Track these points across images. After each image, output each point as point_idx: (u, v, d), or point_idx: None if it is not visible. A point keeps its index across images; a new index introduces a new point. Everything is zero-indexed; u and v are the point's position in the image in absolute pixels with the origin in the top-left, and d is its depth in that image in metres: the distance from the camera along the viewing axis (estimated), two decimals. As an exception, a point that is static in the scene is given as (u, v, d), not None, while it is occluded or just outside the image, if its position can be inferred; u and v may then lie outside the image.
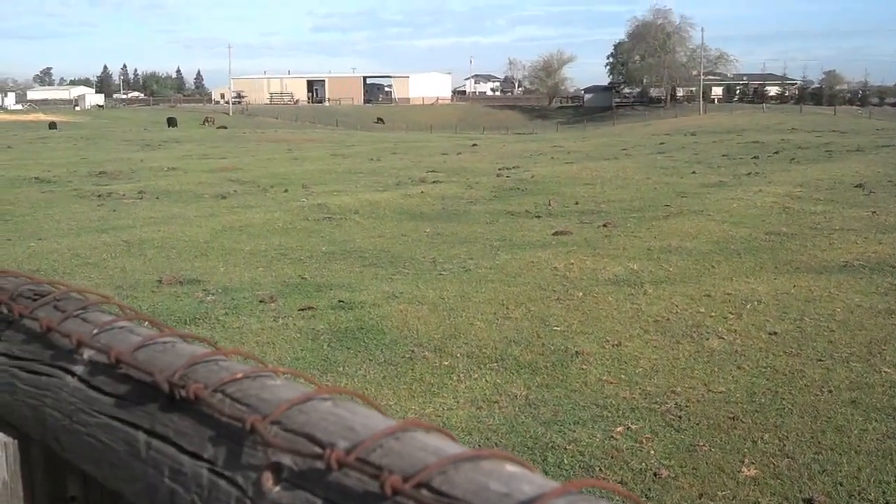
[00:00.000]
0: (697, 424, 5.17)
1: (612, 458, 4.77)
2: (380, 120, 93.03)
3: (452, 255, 10.37)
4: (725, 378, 5.92)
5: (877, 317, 7.31)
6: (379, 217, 13.78)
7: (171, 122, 69.45)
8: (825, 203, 14.07)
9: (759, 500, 4.27)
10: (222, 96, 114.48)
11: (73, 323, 0.88)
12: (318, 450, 0.62)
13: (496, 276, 8.98)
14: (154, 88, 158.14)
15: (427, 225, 12.94)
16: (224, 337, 6.84)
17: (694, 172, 20.17)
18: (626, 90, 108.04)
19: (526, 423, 5.25)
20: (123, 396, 0.78)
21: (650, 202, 14.89)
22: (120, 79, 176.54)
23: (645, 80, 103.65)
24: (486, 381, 5.97)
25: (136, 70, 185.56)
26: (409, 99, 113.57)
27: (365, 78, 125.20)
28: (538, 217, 13.56)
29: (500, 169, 22.43)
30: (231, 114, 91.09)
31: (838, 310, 7.53)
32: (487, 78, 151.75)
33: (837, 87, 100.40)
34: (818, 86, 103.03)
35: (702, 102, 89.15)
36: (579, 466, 4.64)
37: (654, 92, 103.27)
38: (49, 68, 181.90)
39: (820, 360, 6.23)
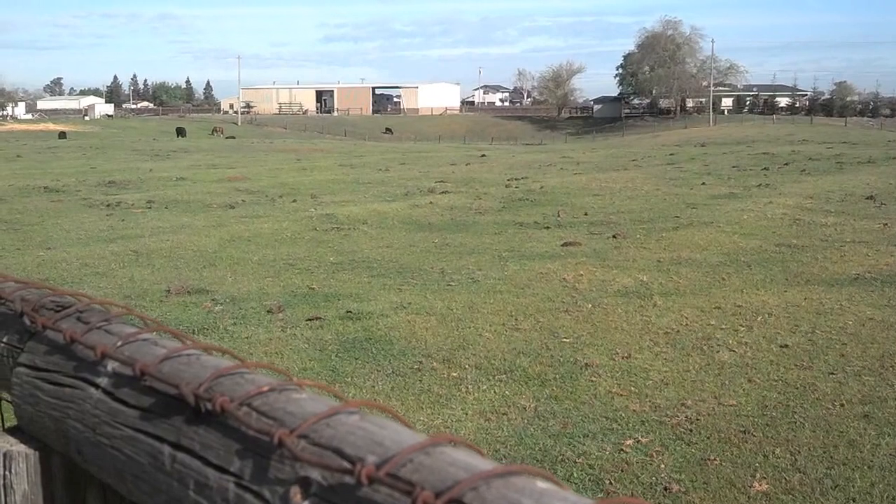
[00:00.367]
0: (708, 438, 5.14)
1: (621, 471, 4.74)
2: (388, 130, 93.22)
3: (461, 265, 10.36)
4: (736, 391, 5.88)
5: (889, 330, 7.26)
6: (387, 227, 13.79)
7: (180, 132, 69.77)
8: (836, 215, 14.01)
9: (772, 514, 4.24)
10: (231, 106, 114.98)
11: (97, 335, 0.88)
12: (346, 464, 0.61)
13: (505, 287, 8.96)
14: (163, 98, 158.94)
15: (435, 235, 12.94)
16: (232, 347, 6.83)
17: (704, 184, 20.14)
18: (636, 101, 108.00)
19: (535, 435, 5.22)
20: (148, 409, 0.78)
21: (660, 213, 14.86)
22: (130, 89, 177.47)
23: (654, 91, 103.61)
24: (494, 392, 5.94)
25: (145, 80, 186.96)
26: (417, 109, 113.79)
27: (374, 88, 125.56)
28: (547, 228, 13.55)
29: (508, 179, 22.44)
30: (240, 124, 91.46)
31: (850, 323, 7.49)
32: (496, 88, 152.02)
33: (848, 99, 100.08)
34: (829, 97, 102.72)
35: (711, 113, 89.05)
36: (589, 480, 4.61)
37: (663, 103, 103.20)
38: (59, 78, 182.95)
39: (832, 374, 6.19)
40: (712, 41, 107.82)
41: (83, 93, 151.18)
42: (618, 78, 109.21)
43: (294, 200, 18.33)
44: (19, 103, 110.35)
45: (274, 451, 0.66)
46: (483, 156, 38.18)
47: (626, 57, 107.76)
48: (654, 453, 4.93)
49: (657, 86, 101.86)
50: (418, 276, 9.79)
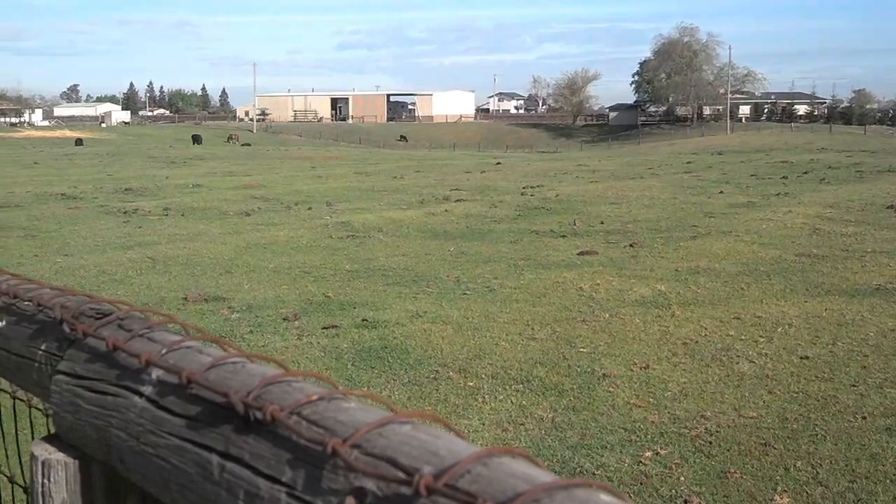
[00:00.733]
0: (728, 450, 5.09)
1: (640, 483, 4.70)
2: (403, 138, 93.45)
3: (476, 274, 10.33)
4: (756, 403, 5.83)
5: (911, 342, 7.18)
6: (402, 235, 13.79)
7: (196, 139, 70.20)
8: (856, 224, 13.89)
9: (795, 528, 4.18)
10: (247, 114, 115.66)
11: (140, 342, 0.87)
12: (402, 475, 0.60)
13: (521, 296, 8.93)
14: (179, 105, 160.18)
15: (451, 243, 12.93)
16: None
17: (722, 192, 20.02)
18: (652, 108, 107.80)
19: (553, 446, 5.19)
20: (195, 418, 0.77)
21: (677, 222, 14.78)
22: (146, 96, 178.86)
23: (671, 99, 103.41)
24: (511, 402, 5.91)
25: (161, 87, 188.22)
26: (432, 117, 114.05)
27: (388, 96, 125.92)
28: (563, 236, 13.51)
29: (524, 187, 22.41)
30: (255, 131, 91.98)
31: (871, 334, 7.40)
32: (511, 96, 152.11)
33: (868, 106, 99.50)
34: (848, 105, 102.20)
35: (729, 121, 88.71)
36: (609, 491, 4.57)
37: (680, 110, 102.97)
38: (76, 85, 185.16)
39: (853, 386, 6.12)
40: (729, 48, 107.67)
41: (100, 100, 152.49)
42: (634, 85, 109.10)
43: (309, 208, 18.38)
44: (36, 110, 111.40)
45: (327, 460, 0.65)
46: (498, 163, 38.17)
47: (642, 64, 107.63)
48: (673, 466, 4.88)
49: (674, 93, 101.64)
50: (434, 284, 9.78)
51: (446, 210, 16.94)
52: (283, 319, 8.08)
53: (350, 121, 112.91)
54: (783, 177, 24.40)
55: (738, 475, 4.76)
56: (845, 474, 4.75)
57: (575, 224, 14.75)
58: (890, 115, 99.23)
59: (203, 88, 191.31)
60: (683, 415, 5.62)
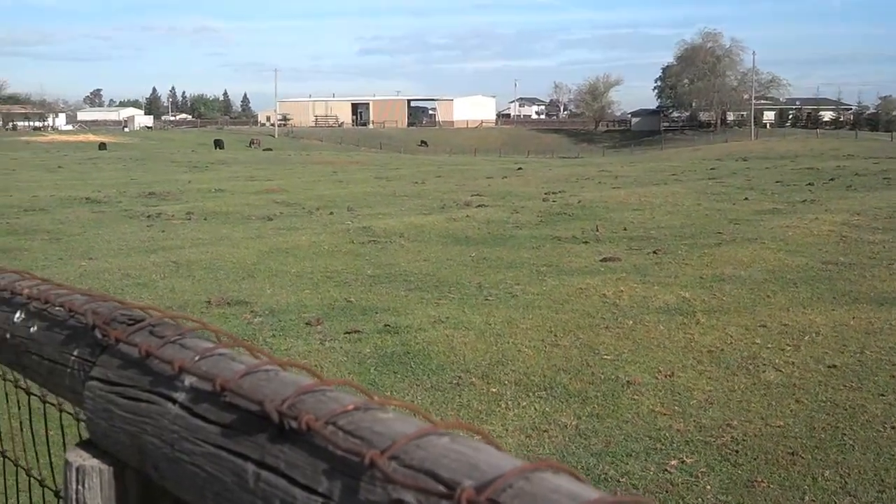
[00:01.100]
0: (755, 459, 5.03)
1: (666, 492, 4.65)
2: (423, 143, 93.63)
3: (498, 280, 10.30)
4: (783, 412, 5.76)
5: (941, 351, 7.06)
6: (424, 241, 13.78)
7: (218, 143, 70.78)
8: (884, 232, 13.68)
9: (824, 540, 4.12)
10: (268, 119, 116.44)
11: (172, 349, 0.87)
12: (442, 488, 0.59)
13: (543, 303, 8.89)
14: (201, 110, 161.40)
15: (472, 249, 12.90)
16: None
17: (747, 199, 19.82)
18: (675, 114, 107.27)
19: (577, 453, 5.15)
20: (229, 425, 0.76)
21: (702, 229, 14.66)
22: (168, 101, 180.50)
23: (694, 104, 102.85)
24: (534, 409, 5.88)
25: (184, 92, 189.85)
26: (453, 122, 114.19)
27: (409, 101, 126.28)
28: (586, 243, 13.44)
29: (545, 193, 22.33)
30: (276, 136, 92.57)
31: (900, 343, 7.29)
32: (532, 101, 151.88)
33: (894, 113, 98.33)
34: (874, 111, 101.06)
35: (753, 127, 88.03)
36: (633, 500, 4.53)
37: (703, 116, 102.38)
38: (99, 90, 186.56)
39: (882, 395, 6.03)
40: (753, 53, 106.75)
41: (123, 104, 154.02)
42: (656, 91, 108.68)
43: (331, 213, 18.44)
44: (60, 114, 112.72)
45: (364, 471, 0.64)
46: (519, 169, 38.10)
47: (664, 69, 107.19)
48: (699, 474, 4.83)
49: (697, 99, 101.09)
50: (456, 290, 9.76)
51: (468, 215, 16.92)
52: (306, 324, 8.09)
53: (371, 126, 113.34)
54: (809, 183, 24.13)
55: (765, 484, 4.71)
56: (874, 484, 4.68)
57: (598, 230, 14.67)
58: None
59: (225, 93, 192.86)
60: (709, 423, 5.56)
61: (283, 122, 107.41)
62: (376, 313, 8.54)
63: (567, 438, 5.37)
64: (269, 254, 12.36)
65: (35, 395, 1.36)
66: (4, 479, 1.52)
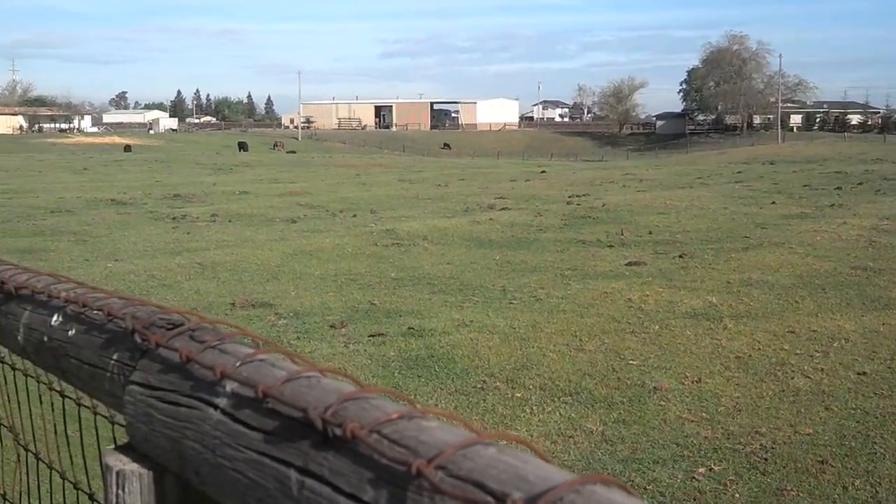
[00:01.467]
0: (784, 468, 4.96)
1: (694, 500, 4.60)
2: (446, 146, 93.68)
3: (522, 283, 10.26)
4: (813, 419, 5.68)
5: (975, 359, 6.92)
6: (447, 244, 13.77)
7: (242, 146, 71.24)
8: (914, 237, 13.48)
9: (856, 551, 4.04)
10: (292, 121, 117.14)
11: (213, 354, 0.86)
12: (491, 500, 0.58)
13: (568, 307, 8.84)
14: (226, 113, 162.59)
15: (496, 252, 12.87)
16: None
17: (774, 203, 19.60)
18: (700, 117, 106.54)
19: (603, 459, 5.11)
20: (272, 432, 0.76)
21: (728, 233, 14.51)
22: (193, 103, 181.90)
23: (720, 107, 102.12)
24: (560, 414, 5.84)
25: (208, 95, 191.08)
26: (476, 125, 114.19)
27: (432, 104, 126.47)
28: (610, 246, 13.36)
29: (569, 196, 22.24)
30: (300, 138, 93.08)
31: (932, 350, 7.16)
32: (556, 104, 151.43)
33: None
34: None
35: (780, 130, 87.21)
36: (661, 507, 4.48)
37: (729, 119, 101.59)
38: (124, 92, 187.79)
39: (914, 404, 5.92)
40: (780, 56, 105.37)
41: (147, 107, 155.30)
42: (681, 93, 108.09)
43: (354, 215, 18.49)
44: (86, 116, 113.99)
45: (411, 481, 0.63)
46: (543, 172, 37.99)
47: (690, 72, 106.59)
48: (727, 482, 4.77)
49: (722, 102, 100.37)
50: (479, 293, 9.73)
51: (491, 218, 16.89)
52: (330, 327, 8.10)
53: (394, 128, 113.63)
54: (837, 188, 23.82)
55: (794, 493, 4.64)
56: (907, 495, 4.59)
57: (622, 234, 14.57)
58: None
59: (249, 96, 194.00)
60: (737, 430, 5.49)
61: (306, 125, 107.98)
62: (400, 316, 8.53)
63: (593, 444, 5.32)
64: (292, 256, 12.40)
65: (69, 398, 1.36)
66: (38, 481, 1.52)
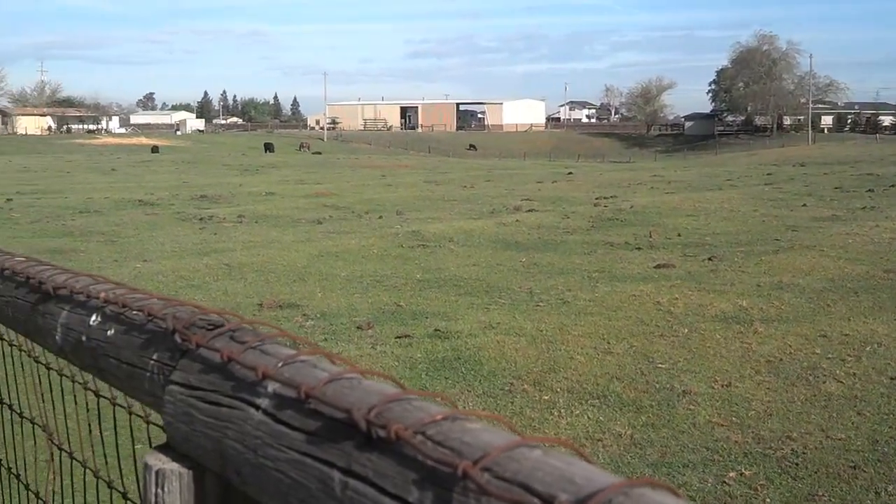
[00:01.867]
0: (816, 473, 4.90)
1: (725, 504, 4.54)
2: (472, 147, 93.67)
3: (549, 285, 10.21)
4: (845, 424, 5.59)
5: None
6: (473, 245, 13.75)
7: (269, 147, 71.75)
8: (948, 240, 13.24)
9: (892, 560, 3.97)
10: (317, 122, 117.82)
11: (254, 354, 0.87)
12: (538, 501, 0.58)
13: (596, 309, 8.78)
14: (252, 114, 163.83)
15: (522, 254, 12.83)
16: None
17: (805, 205, 19.36)
18: (729, 118, 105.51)
19: (632, 463, 5.07)
20: (314, 433, 0.76)
21: (759, 235, 14.35)
22: (219, 104, 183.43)
23: (749, 108, 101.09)
24: (588, 417, 5.80)
25: (234, 96, 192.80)
26: (502, 126, 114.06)
27: (458, 104, 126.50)
28: (638, 249, 13.26)
29: (597, 198, 22.13)
30: (326, 139, 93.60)
31: (968, 356, 7.03)
32: (583, 105, 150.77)
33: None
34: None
35: (810, 132, 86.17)
36: (691, 512, 4.43)
37: (759, 120, 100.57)
38: (151, 93, 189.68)
39: (950, 410, 5.81)
40: (810, 56, 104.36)
41: (174, 108, 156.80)
42: (710, 94, 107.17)
43: (380, 217, 18.53)
44: (113, 117, 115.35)
45: (457, 483, 0.63)
46: (570, 173, 37.84)
47: (719, 72, 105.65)
48: (758, 487, 4.72)
49: (752, 102, 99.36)
50: (506, 295, 9.70)
51: (517, 220, 16.84)
52: (357, 328, 8.12)
53: (419, 129, 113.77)
54: (869, 190, 23.46)
55: (826, 498, 4.59)
56: (943, 503, 4.50)
57: (651, 236, 14.47)
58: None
59: (275, 97, 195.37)
60: (768, 435, 5.43)
61: (332, 126, 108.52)
62: (426, 318, 8.53)
63: (622, 448, 5.28)
64: (318, 257, 12.45)
65: (105, 398, 1.36)
66: (72, 480, 1.53)
